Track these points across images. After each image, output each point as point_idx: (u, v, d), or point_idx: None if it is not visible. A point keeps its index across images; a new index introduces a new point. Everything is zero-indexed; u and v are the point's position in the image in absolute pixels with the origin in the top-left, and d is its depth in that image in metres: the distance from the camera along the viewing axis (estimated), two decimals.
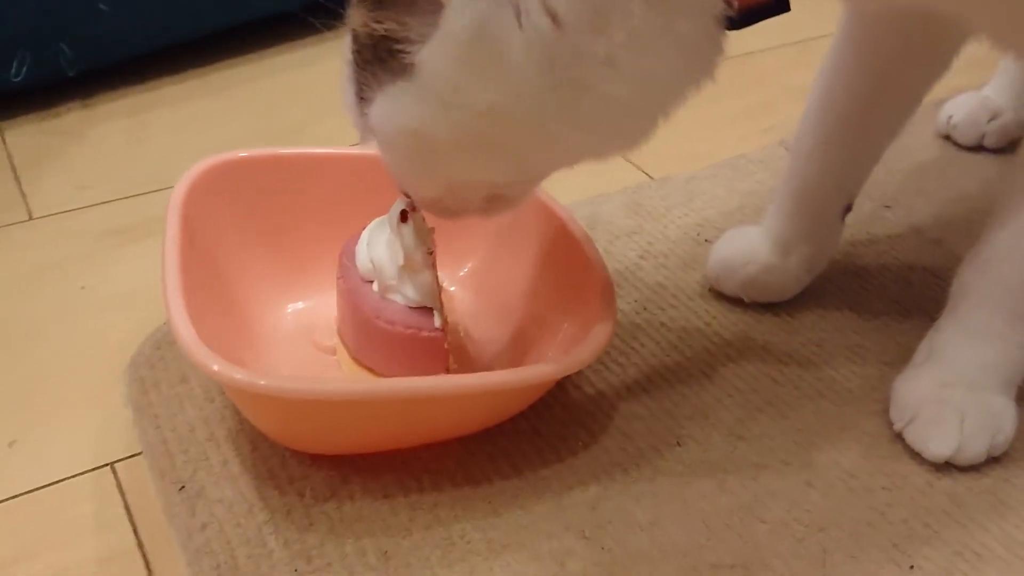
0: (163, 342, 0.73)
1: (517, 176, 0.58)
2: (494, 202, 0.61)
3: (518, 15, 0.48)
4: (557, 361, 0.61)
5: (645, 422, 0.68)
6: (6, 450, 0.66)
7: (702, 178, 0.95)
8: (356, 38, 0.54)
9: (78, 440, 0.67)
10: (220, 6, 1.13)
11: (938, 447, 0.63)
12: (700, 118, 1.07)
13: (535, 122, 0.51)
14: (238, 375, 0.56)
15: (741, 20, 0.53)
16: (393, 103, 0.52)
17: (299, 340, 0.72)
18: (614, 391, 0.70)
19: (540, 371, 0.60)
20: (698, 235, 0.87)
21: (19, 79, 1.00)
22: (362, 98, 0.55)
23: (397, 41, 0.50)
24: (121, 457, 0.66)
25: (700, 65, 0.54)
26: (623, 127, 0.54)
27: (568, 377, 0.68)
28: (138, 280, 0.81)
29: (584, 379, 0.70)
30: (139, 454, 0.66)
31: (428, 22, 0.49)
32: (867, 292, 0.80)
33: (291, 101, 1.10)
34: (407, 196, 0.63)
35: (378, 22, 0.51)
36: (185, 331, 0.58)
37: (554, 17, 0.48)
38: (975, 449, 0.63)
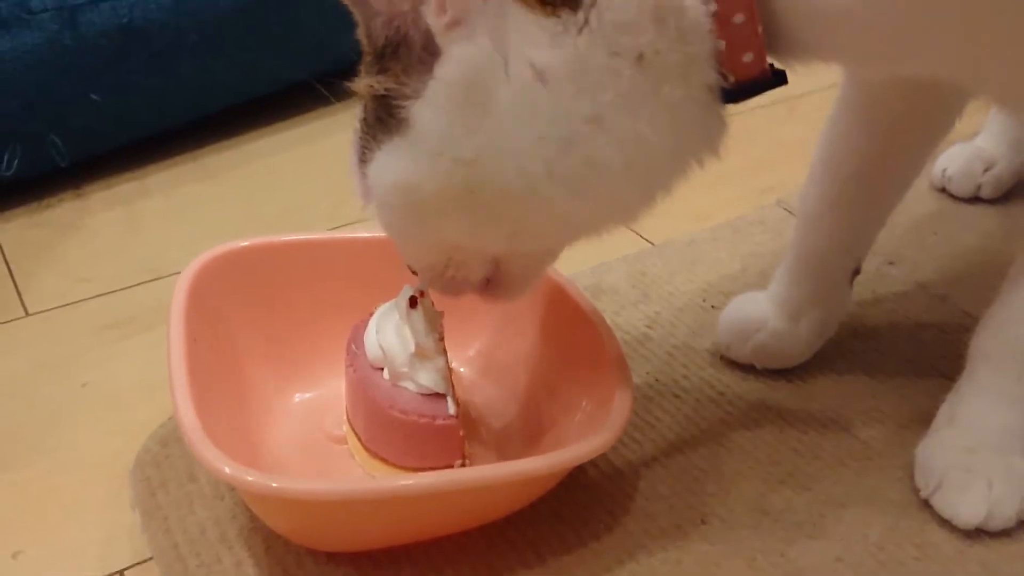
0: (169, 439, 0.72)
1: (510, 245, 0.57)
2: (498, 281, 0.61)
3: (506, 66, 0.49)
4: (582, 445, 0.59)
5: (667, 500, 0.66)
6: (10, 562, 0.64)
7: (702, 241, 0.95)
8: (362, 102, 0.55)
9: (85, 548, 0.65)
10: (207, 92, 1.13)
11: (968, 513, 0.62)
12: (695, 178, 1.08)
13: (521, 180, 0.51)
14: (251, 477, 0.54)
15: (740, 93, 0.53)
16: (387, 159, 0.53)
17: (309, 430, 0.70)
18: (632, 468, 0.69)
19: (567, 456, 0.59)
20: (704, 301, 0.86)
21: (10, 172, 0.99)
22: (363, 161, 0.56)
23: (395, 99, 0.52)
24: (130, 564, 0.64)
25: (696, 136, 0.54)
26: (616, 195, 0.54)
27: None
28: (140, 374, 0.80)
29: (601, 457, 0.69)
30: (149, 559, 0.64)
31: (424, 79, 0.51)
32: (879, 353, 0.80)
33: (282, 182, 1.09)
34: (414, 272, 0.62)
35: (379, 82, 0.53)
36: (195, 432, 0.56)
37: (539, 72, 0.49)
38: (1005, 513, 0.62)
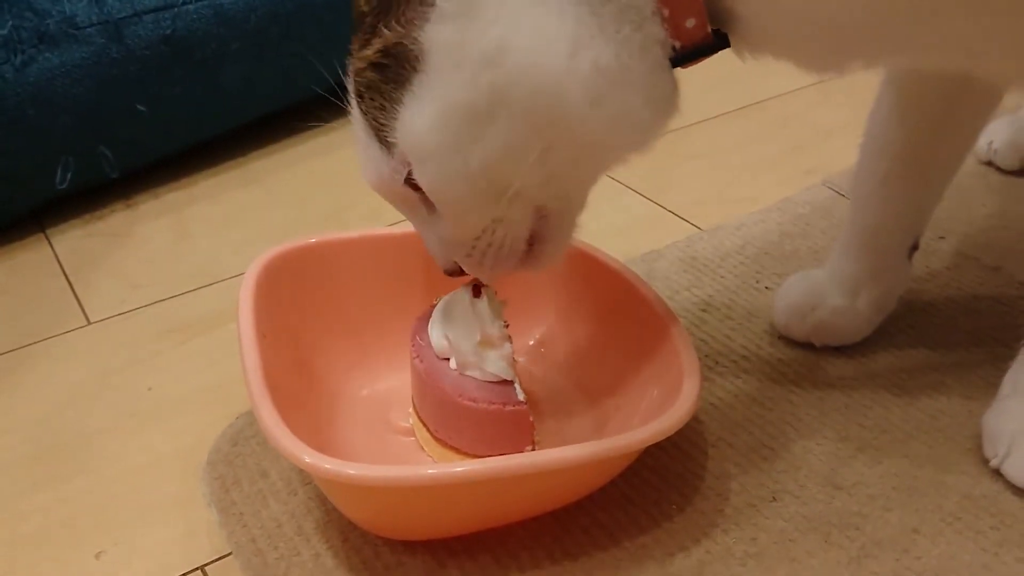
0: (239, 437, 0.73)
1: (544, 169, 0.55)
2: (540, 238, 0.60)
3: None
4: (654, 425, 0.59)
5: (738, 480, 0.66)
6: (94, 562, 0.65)
7: (751, 224, 0.95)
8: (360, 85, 0.56)
9: (165, 545, 0.66)
10: (249, 100, 1.14)
11: None
12: (738, 165, 1.09)
13: (540, 73, 0.52)
14: (329, 465, 0.55)
15: (685, 57, 0.55)
16: (414, 105, 0.54)
17: (376, 423, 0.71)
18: (700, 450, 0.69)
19: (640, 436, 0.59)
20: (757, 283, 0.86)
21: (64, 186, 1.01)
22: (384, 138, 0.56)
23: (403, 46, 0.53)
24: (211, 560, 0.65)
25: (660, 85, 0.55)
26: (626, 107, 0.54)
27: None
28: (203, 377, 0.81)
29: (668, 439, 0.69)
30: (229, 555, 0.65)
31: (424, 7, 0.52)
32: (937, 327, 0.79)
33: (325, 185, 1.10)
34: (452, 274, 0.62)
35: (383, 40, 0.54)
36: (273, 423, 0.57)
37: None
38: None
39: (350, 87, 0.58)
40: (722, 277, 0.88)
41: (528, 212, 0.58)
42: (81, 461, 0.73)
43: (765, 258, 0.90)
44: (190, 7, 1.05)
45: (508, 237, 0.58)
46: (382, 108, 0.55)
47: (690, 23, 0.53)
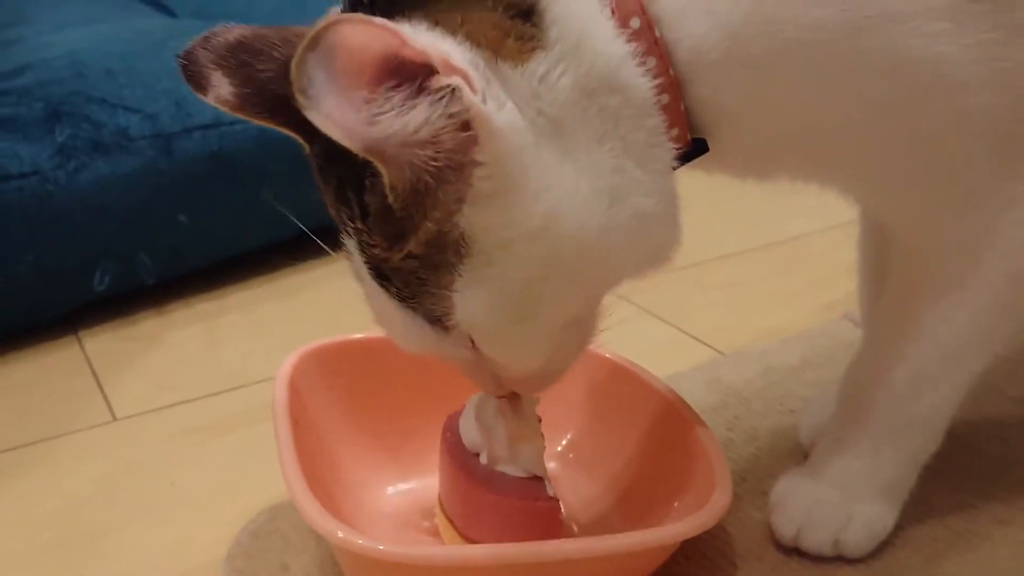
0: (260, 532, 0.72)
1: (588, 295, 0.58)
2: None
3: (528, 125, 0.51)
4: (682, 523, 0.59)
5: None
6: None
7: (773, 352, 0.96)
8: (388, 271, 0.54)
9: None
10: (285, 218, 1.18)
11: None
12: (761, 296, 1.11)
13: (584, 230, 0.53)
14: (362, 540, 0.55)
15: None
16: (467, 290, 0.53)
17: (400, 521, 0.71)
18: (729, 561, 0.68)
19: (668, 532, 0.59)
20: (782, 406, 0.87)
21: (102, 288, 1.04)
22: (436, 321, 0.55)
23: (442, 232, 0.52)
24: None
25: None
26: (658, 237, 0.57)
27: (677, 552, 0.67)
28: (227, 475, 0.81)
29: (697, 549, 0.68)
30: None
31: (460, 188, 0.50)
32: (964, 452, 0.79)
33: (359, 302, 1.12)
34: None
35: (423, 232, 0.52)
36: (306, 499, 0.57)
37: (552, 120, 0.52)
38: None
39: (364, 268, 0.56)
40: (747, 399, 0.88)
41: (574, 330, 0.60)
42: (100, 553, 0.73)
43: (789, 384, 0.90)
44: (237, 127, 1.10)
45: (561, 360, 0.61)
46: (424, 294, 0.54)
47: (674, 133, 0.56)
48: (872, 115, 0.57)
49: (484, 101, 0.49)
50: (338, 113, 0.45)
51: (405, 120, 0.47)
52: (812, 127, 0.58)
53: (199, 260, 1.13)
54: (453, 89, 0.47)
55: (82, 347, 1.02)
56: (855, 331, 0.99)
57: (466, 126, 0.49)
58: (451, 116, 0.48)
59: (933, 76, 0.55)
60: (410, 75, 0.47)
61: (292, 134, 0.56)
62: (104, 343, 1.03)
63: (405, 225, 0.52)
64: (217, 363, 1.00)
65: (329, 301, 1.14)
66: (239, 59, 0.56)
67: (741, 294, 1.11)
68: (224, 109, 0.57)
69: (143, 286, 1.08)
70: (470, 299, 0.53)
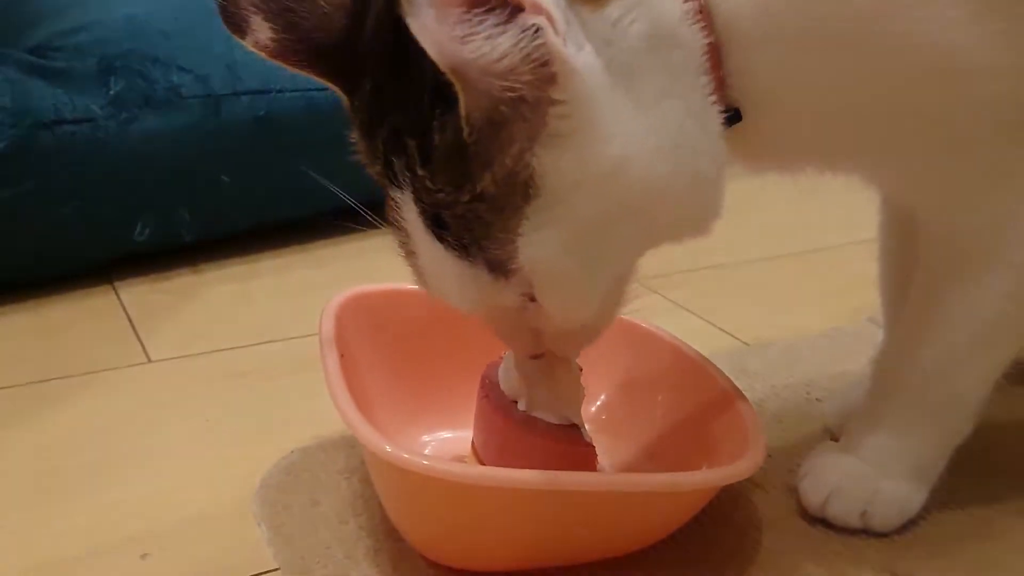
0: (293, 468, 0.73)
1: (644, 245, 0.59)
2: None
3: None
4: (728, 468, 0.60)
5: (789, 556, 0.66)
6: (139, 563, 0.65)
7: (800, 346, 0.97)
8: (450, 217, 0.54)
9: (211, 554, 0.65)
10: (326, 189, 1.20)
11: None
12: (789, 298, 1.12)
13: (648, 175, 0.54)
14: (407, 455, 0.56)
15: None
16: (537, 229, 0.53)
17: None
18: (755, 528, 0.69)
19: (715, 475, 0.60)
20: (808, 393, 0.88)
21: (141, 239, 1.05)
22: (499, 271, 0.55)
23: (515, 171, 0.52)
24: (257, 573, 0.64)
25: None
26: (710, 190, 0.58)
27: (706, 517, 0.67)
28: (261, 416, 0.82)
29: (724, 515, 0.69)
30: (275, 570, 0.64)
31: (539, 124, 0.51)
32: (992, 446, 0.80)
33: (393, 275, 1.13)
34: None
35: (480, 181, 0.52)
36: (354, 415, 0.58)
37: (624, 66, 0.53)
38: None
39: (418, 220, 0.56)
40: (772, 387, 0.89)
41: (618, 286, 0.61)
42: (136, 471, 0.74)
43: (814, 375, 0.91)
44: (285, 94, 1.12)
45: (607, 316, 0.61)
46: (487, 238, 0.54)
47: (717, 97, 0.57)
48: (898, 98, 0.58)
49: (565, 42, 0.50)
50: (434, 25, 0.47)
51: (492, 45, 0.48)
52: (840, 107, 0.59)
53: (237, 222, 1.15)
54: (537, 28, 0.49)
55: (118, 296, 1.04)
56: (879, 333, 1.00)
57: (546, 63, 0.50)
58: (534, 51, 0.49)
59: (955, 61, 0.56)
60: (501, 4, 0.49)
61: (331, 85, 0.57)
62: (139, 294, 1.05)
63: (476, 164, 0.52)
64: (249, 318, 1.01)
65: (361, 274, 1.15)
66: (281, 4, 0.56)
67: (770, 294, 1.13)
68: (262, 55, 0.56)
69: (180, 244, 1.10)
70: (537, 241, 0.54)
